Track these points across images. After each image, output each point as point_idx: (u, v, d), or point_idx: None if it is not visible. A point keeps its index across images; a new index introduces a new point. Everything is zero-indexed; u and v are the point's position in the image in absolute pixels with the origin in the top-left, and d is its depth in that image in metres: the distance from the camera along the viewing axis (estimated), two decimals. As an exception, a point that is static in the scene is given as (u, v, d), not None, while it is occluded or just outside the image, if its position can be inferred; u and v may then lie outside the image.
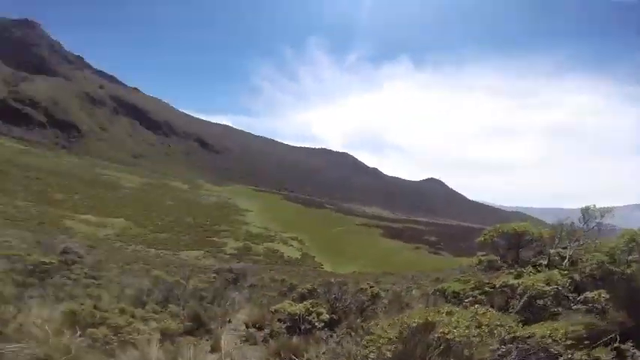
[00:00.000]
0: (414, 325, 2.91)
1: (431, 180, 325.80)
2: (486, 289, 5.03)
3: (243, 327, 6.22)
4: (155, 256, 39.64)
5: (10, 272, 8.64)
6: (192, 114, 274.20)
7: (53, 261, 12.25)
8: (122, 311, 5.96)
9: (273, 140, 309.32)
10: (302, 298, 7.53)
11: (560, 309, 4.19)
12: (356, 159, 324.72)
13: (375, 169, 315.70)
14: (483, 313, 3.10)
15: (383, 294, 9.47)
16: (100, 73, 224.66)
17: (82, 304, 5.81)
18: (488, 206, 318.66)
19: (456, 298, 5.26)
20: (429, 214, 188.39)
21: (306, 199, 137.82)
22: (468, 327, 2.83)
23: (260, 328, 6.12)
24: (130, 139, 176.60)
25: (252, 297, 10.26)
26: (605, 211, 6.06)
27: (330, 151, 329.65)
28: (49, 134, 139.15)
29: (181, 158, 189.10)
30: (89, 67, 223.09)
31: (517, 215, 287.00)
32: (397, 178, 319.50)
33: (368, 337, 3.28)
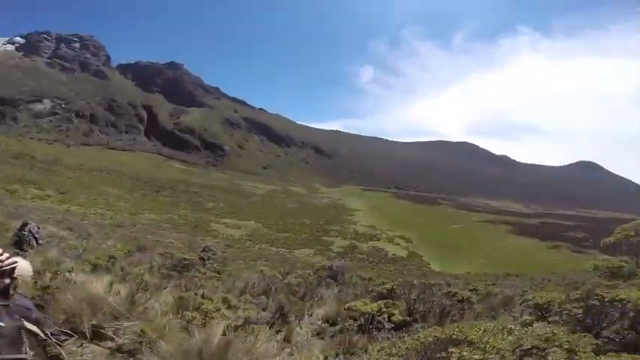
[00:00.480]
0: (429, 340, 2.71)
1: (581, 164, 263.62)
2: (592, 302, 3.69)
3: (320, 322, 6.40)
4: (275, 254, 46.95)
5: (161, 266, 10.37)
6: (307, 124, 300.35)
7: (193, 257, 16.85)
8: (224, 300, 6.38)
9: (382, 139, 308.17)
10: (381, 297, 7.55)
11: None
12: (478, 147, 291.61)
13: (504, 157, 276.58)
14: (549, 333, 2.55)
15: (475, 298, 8.60)
16: (233, 99, 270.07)
17: (193, 292, 6.54)
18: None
19: (542, 310, 4.29)
20: (578, 206, 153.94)
21: (417, 196, 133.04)
22: (498, 350, 2.40)
23: (333, 324, 6.17)
24: (261, 153, 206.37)
25: (341, 294, 10.25)
26: None
27: (446, 143, 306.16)
28: (203, 155, 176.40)
29: (300, 165, 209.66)
30: (225, 95, 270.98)
31: None
32: (534, 164, 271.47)
33: (379, 347, 3.15)
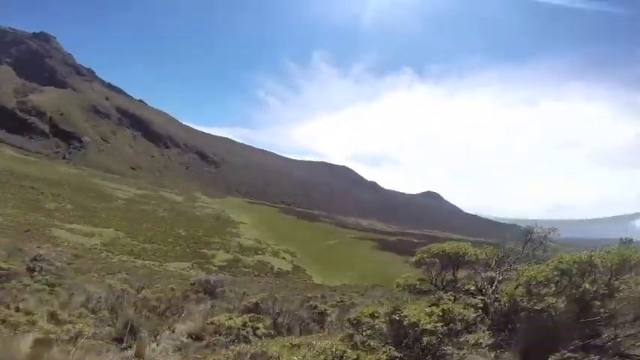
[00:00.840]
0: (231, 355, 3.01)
1: (428, 193, 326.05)
2: (394, 317, 4.19)
3: (184, 337, 6.22)
4: (141, 267, 39.66)
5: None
6: (195, 127, 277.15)
7: (13, 266, 12.55)
8: (51, 315, 6.05)
9: (274, 153, 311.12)
10: (248, 311, 7.54)
11: (451, 348, 3.60)
12: (355, 172, 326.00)
13: (373, 183, 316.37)
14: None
15: (330, 310, 9.36)
16: (109, 86, 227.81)
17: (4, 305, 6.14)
18: (483, 219, 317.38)
19: (355, 324, 4.65)
20: (425, 227, 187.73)
21: (302, 212, 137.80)
22: None
23: (199, 339, 6.09)
24: (131, 150, 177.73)
25: (213, 309, 10.11)
26: (550, 231, 5.56)
27: (330, 165, 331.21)
28: (51, 144, 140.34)
29: (180, 171, 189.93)
30: (99, 80, 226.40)
31: (512, 227, 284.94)
32: (394, 191, 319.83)
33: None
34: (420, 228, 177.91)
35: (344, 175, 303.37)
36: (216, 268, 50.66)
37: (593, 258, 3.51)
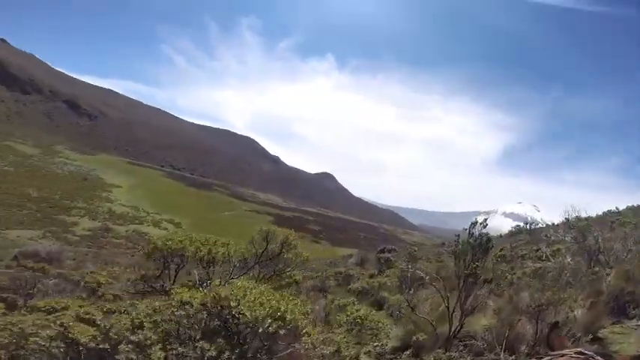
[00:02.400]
0: None
1: (325, 174, 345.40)
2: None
3: None
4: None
5: None
6: (70, 74, 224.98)
7: None
8: None
9: (169, 113, 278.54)
10: None
11: None
12: (259, 144, 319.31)
13: (276, 157, 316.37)
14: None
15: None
16: None
17: None
18: (367, 203, 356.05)
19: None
20: (319, 206, 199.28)
21: (194, 179, 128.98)
22: None
23: None
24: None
25: None
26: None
27: (232, 133, 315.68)
28: None
29: (40, 120, 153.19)
30: None
31: (388, 213, 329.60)
32: (296, 168, 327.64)
33: None
34: (315, 206, 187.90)
35: (247, 145, 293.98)
36: (77, 238, 43.54)
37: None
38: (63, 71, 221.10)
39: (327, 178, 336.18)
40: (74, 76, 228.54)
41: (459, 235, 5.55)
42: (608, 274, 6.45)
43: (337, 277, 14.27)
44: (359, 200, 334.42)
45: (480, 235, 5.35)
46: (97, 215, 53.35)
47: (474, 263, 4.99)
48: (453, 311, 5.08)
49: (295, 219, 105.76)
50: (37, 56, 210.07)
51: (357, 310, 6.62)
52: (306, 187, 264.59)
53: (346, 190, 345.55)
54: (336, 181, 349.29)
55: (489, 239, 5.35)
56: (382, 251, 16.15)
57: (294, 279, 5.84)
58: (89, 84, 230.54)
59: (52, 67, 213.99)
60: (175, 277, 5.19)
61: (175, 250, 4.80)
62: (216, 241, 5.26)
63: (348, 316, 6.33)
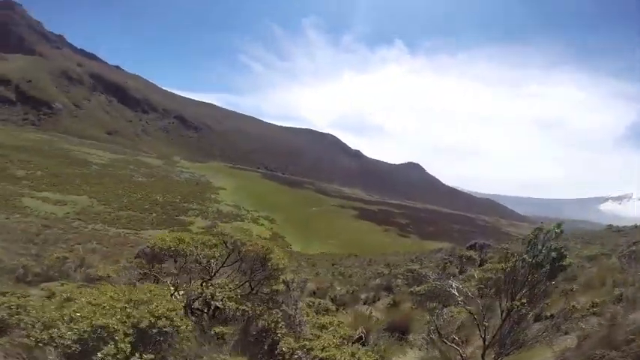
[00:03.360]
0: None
1: (410, 164, 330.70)
2: None
3: None
4: (114, 236, 39.50)
5: None
6: (175, 92, 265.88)
7: None
8: None
9: (257, 119, 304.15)
10: None
11: None
12: (340, 140, 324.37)
13: (357, 151, 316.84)
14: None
15: None
16: (81, 52, 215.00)
17: None
18: (461, 192, 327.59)
19: None
20: (404, 198, 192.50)
21: (285, 178, 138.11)
22: None
23: None
24: (107, 116, 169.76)
25: None
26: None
27: (314, 132, 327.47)
28: (18, 111, 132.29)
29: (159, 135, 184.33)
30: (70, 45, 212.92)
31: (488, 202, 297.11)
32: (378, 160, 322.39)
33: None
34: (400, 198, 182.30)
35: (329, 142, 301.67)
36: (193, 234, 51.15)
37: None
38: (167, 89, 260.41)
39: (413, 168, 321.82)
40: (178, 93, 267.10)
41: (507, 249, 3.97)
42: None
43: (407, 276, 13.19)
44: (451, 190, 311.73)
45: (546, 249, 3.63)
46: (208, 214, 61.86)
47: (522, 299, 3.56)
48: (488, 345, 3.81)
49: (380, 212, 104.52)
50: (146, 78, 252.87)
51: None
52: (390, 179, 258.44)
53: (436, 179, 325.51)
54: (424, 170, 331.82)
55: (562, 255, 3.66)
56: (472, 247, 14.60)
57: (276, 288, 5.15)
58: (192, 99, 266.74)
59: (159, 86, 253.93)
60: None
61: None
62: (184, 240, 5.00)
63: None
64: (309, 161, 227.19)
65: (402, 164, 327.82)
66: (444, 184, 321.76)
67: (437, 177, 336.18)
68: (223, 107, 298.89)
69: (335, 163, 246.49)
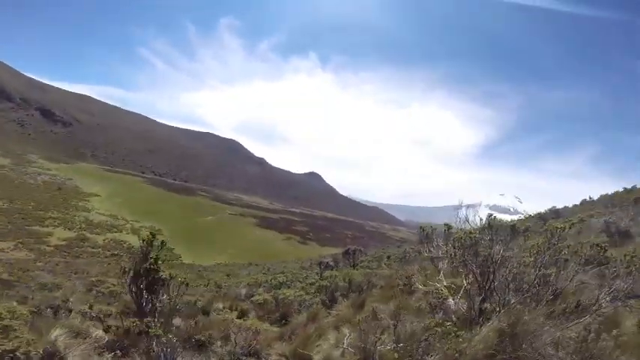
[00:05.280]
0: None
1: (312, 174, 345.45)
2: None
3: None
4: None
5: None
6: (43, 80, 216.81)
7: None
8: None
9: (147, 117, 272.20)
10: None
11: None
12: (243, 146, 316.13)
13: (261, 159, 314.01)
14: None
15: None
16: None
17: None
18: (354, 201, 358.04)
19: None
20: (305, 206, 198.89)
21: (175, 185, 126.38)
22: None
23: None
24: None
25: None
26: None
27: (215, 136, 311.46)
28: None
29: (9, 128, 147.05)
30: None
31: (375, 210, 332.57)
32: (282, 169, 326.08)
33: None
34: (301, 207, 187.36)
35: (231, 148, 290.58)
36: (51, 248, 41.83)
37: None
38: (34, 77, 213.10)
39: (313, 177, 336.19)
40: (46, 82, 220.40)
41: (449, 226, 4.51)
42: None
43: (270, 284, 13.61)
44: (346, 199, 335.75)
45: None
46: (73, 225, 51.43)
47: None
48: None
49: (282, 220, 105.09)
50: (6, 62, 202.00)
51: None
52: (292, 188, 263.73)
53: (333, 189, 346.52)
54: (323, 180, 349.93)
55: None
56: (347, 252, 15.93)
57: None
58: (62, 90, 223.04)
59: (23, 73, 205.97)
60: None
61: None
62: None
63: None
64: (208, 167, 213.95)
65: (304, 174, 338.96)
66: (340, 194, 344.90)
67: (333, 186, 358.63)
68: (104, 101, 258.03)
69: (236, 169, 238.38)
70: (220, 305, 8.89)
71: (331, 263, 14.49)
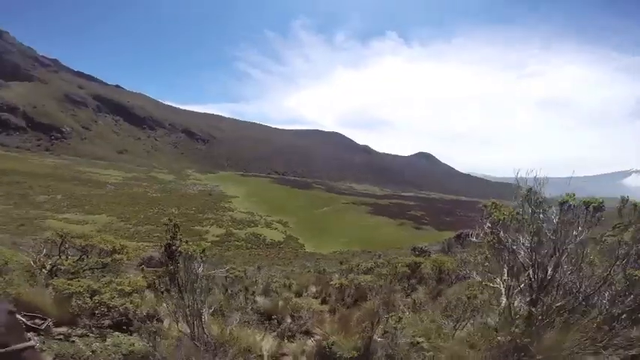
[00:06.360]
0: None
1: (421, 154, 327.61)
2: None
3: None
4: (135, 249, 40.77)
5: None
6: (178, 106, 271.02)
7: None
8: None
9: (262, 125, 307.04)
10: None
11: None
12: (347, 137, 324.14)
13: (365, 146, 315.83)
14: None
15: None
16: (78, 74, 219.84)
17: None
18: (477, 178, 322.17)
19: None
20: (418, 189, 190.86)
21: (295, 181, 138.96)
22: None
23: None
24: (115, 136, 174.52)
25: None
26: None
27: (321, 132, 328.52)
28: (30, 138, 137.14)
29: (168, 150, 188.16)
30: (66, 69, 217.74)
31: (503, 186, 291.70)
32: (387, 154, 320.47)
33: None
34: (414, 190, 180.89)
35: (336, 140, 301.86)
36: (208, 243, 52.18)
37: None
38: (170, 104, 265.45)
39: (424, 157, 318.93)
40: (180, 107, 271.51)
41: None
42: None
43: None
44: (467, 177, 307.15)
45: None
46: (223, 223, 62.99)
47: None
48: None
49: (394, 206, 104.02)
50: (147, 95, 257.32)
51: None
52: (402, 172, 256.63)
53: (450, 167, 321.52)
54: (436, 159, 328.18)
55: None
56: (459, 236, 14.92)
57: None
58: (194, 112, 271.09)
59: (161, 101, 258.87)
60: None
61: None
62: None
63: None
64: (319, 161, 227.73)
65: (412, 155, 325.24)
66: (458, 172, 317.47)
67: (450, 165, 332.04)
68: (229, 117, 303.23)
69: (344, 160, 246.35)
70: (313, 289, 9.83)
71: (426, 248, 13.96)
